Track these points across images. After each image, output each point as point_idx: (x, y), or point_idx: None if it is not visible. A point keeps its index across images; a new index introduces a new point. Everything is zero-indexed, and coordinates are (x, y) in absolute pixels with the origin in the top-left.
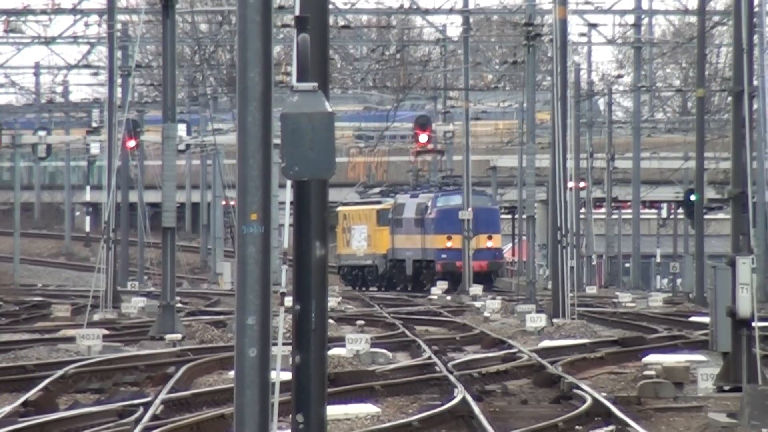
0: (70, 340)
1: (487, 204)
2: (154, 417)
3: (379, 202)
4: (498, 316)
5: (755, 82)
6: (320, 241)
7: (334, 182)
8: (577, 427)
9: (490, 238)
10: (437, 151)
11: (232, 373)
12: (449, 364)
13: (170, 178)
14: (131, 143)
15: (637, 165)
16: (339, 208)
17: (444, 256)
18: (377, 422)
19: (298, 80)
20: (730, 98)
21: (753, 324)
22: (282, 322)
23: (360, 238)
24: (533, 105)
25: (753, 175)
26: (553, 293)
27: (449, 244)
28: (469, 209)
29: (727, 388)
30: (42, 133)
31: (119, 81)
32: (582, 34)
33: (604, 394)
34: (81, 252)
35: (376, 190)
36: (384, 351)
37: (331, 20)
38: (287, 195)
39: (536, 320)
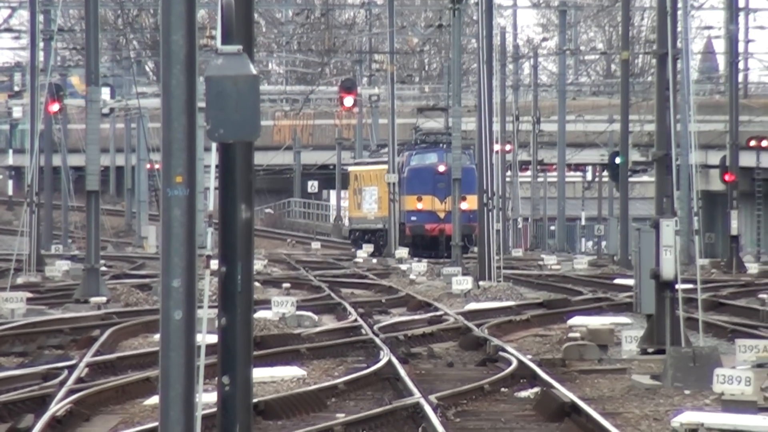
0: None
1: (465, 163)
2: (79, 380)
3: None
4: (424, 278)
5: (679, 45)
6: (246, 203)
7: (260, 145)
8: (502, 389)
9: (464, 199)
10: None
11: (157, 336)
12: (375, 327)
13: (94, 141)
14: (54, 107)
15: (563, 128)
16: (350, 168)
17: (413, 218)
18: (303, 385)
19: (223, 43)
20: (654, 61)
21: (676, 286)
22: (208, 285)
23: (371, 201)
24: (459, 68)
25: (677, 138)
26: (479, 256)
27: (419, 206)
28: (395, 174)
29: (650, 350)
30: None
31: (41, 45)
32: None
33: (530, 356)
34: (4, 215)
35: (386, 149)
36: (310, 314)
37: None
38: (212, 158)
39: (462, 283)
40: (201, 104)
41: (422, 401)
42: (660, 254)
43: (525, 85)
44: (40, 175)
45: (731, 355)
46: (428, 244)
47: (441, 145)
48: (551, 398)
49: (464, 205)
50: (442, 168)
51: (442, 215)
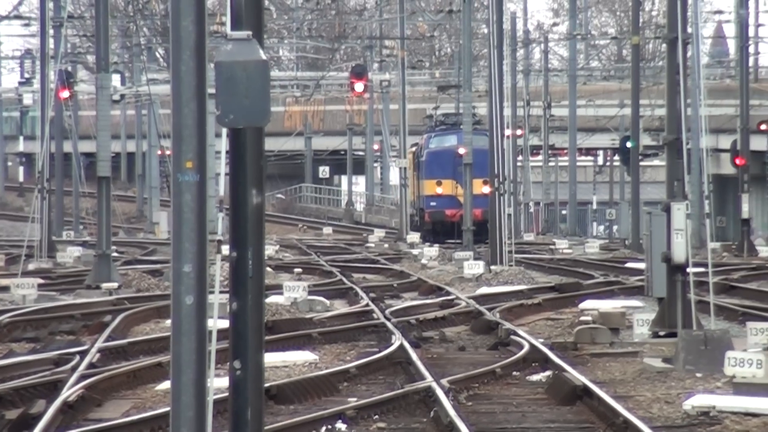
0: (5, 289)
1: (486, 145)
2: (91, 365)
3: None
4: (435, 263)
5: (689, 29)
6: (257, 189)
7: (271, 131)
8: (514, 372)
9: (486, 182)
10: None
11: (168, 322)
12: (387, 311)
13: (104, 127)
14: (65, 93)
15: (574, 113)
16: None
17: (433, 204)
18: (315, 369)
19: (233, 29)
20: (664, 45)
21: (688, 270)
22: (219, 270)
23: None
24: (470, 53)
25: (687, 122)
26: (490, 240)
27: (439, 191)
28: (405, 159)
29: (662, 333)
30: None
31: (51, 32)
32: None
33: (542, 340)
34: (15, 202)
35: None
36: (321, 299)
37: None
38: (222, 143)
39: (474, 267)
40: (211, 90)
41: (434, 385)
42: (671, 238)
43: (536, 70)
44: (51, 161)
45: (743, 338)
46: (449, 231)
47: (461, 126)
48: (563, 382)
49: (485, 189)
50: (462, 150)
51: (463, 200)
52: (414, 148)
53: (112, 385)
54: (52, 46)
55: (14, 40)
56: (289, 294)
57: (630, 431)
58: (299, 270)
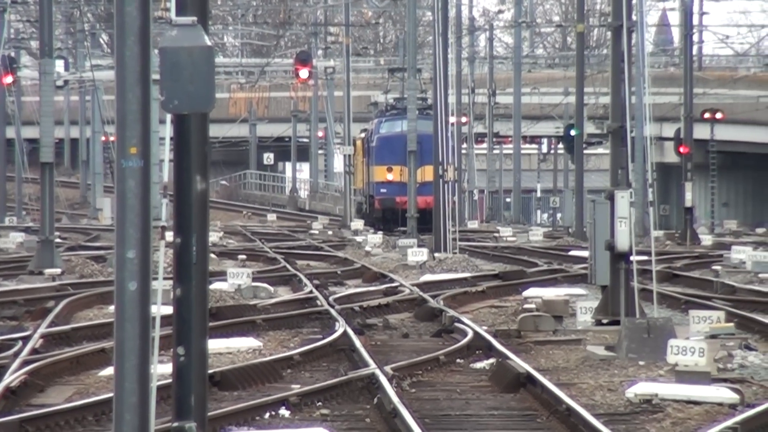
0: None
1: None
2: (34, 351)
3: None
4: (379, 250)
5: (634, 17)
6: (201, 175)
7: (215, 118)
8: (458, 360)
9: None
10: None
11: (112, 308)
12: (330, 298)
13: (48, 113)
14: (8, 79)
15: (518, 100)
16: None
17: (383, 190)
18: (259, 356)
19: (177, 15)
20: (609, 33)
21: (631, 258)
22: (162, 256)
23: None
24: (414, 41)
25: (632, 110)
26: (434, 228)
27: (390, 177)
28: (350, 146)
29: (605, 321)
30: None
31: None
32: None
33: (485, 327)
34: None
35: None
36: (265, 285)
37: None
38: (167, 130)
39: (418, 254)
40: (155, 76)
41: (378, 372)
42: (615, 226)
43: (481, 58)
44: None
45: (685, 326)
46: (399, 218)
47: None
48: (506, 369)
49: None
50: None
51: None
52: (363, 134)
53: (54, 370)
54: None
55: None
56: (233, 280)
57: (573, 418)
58: (243, 257)
